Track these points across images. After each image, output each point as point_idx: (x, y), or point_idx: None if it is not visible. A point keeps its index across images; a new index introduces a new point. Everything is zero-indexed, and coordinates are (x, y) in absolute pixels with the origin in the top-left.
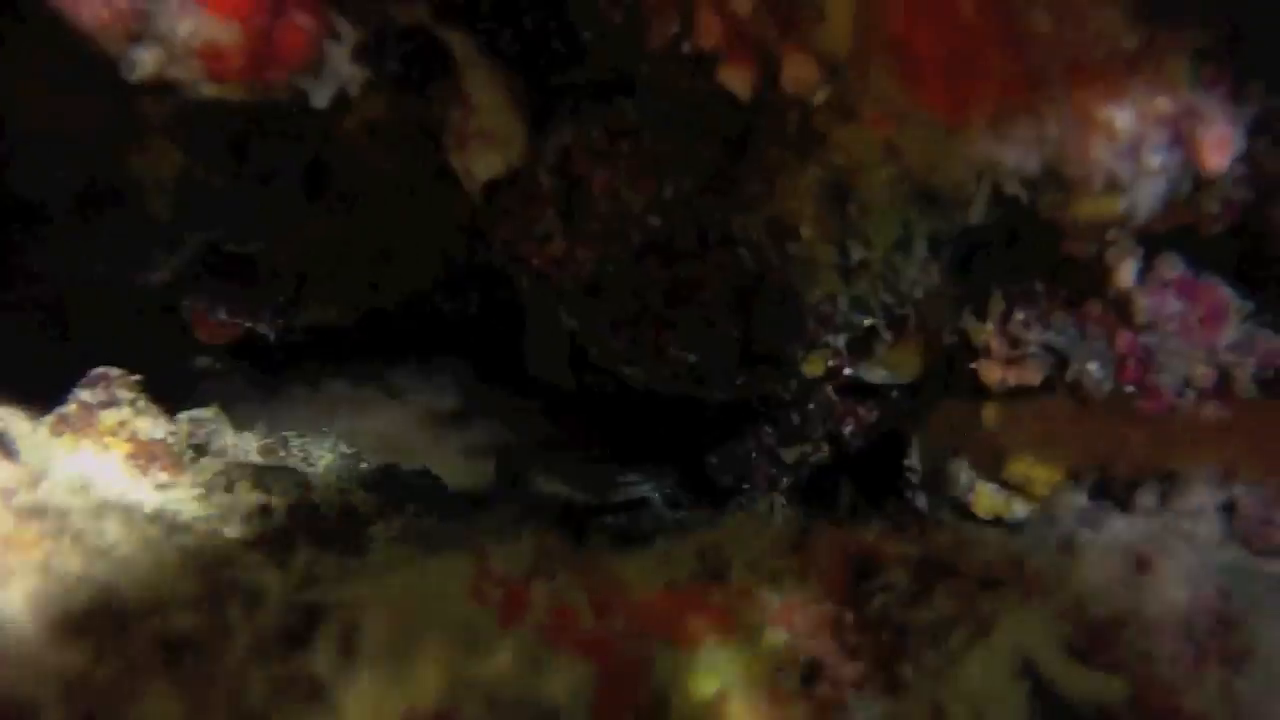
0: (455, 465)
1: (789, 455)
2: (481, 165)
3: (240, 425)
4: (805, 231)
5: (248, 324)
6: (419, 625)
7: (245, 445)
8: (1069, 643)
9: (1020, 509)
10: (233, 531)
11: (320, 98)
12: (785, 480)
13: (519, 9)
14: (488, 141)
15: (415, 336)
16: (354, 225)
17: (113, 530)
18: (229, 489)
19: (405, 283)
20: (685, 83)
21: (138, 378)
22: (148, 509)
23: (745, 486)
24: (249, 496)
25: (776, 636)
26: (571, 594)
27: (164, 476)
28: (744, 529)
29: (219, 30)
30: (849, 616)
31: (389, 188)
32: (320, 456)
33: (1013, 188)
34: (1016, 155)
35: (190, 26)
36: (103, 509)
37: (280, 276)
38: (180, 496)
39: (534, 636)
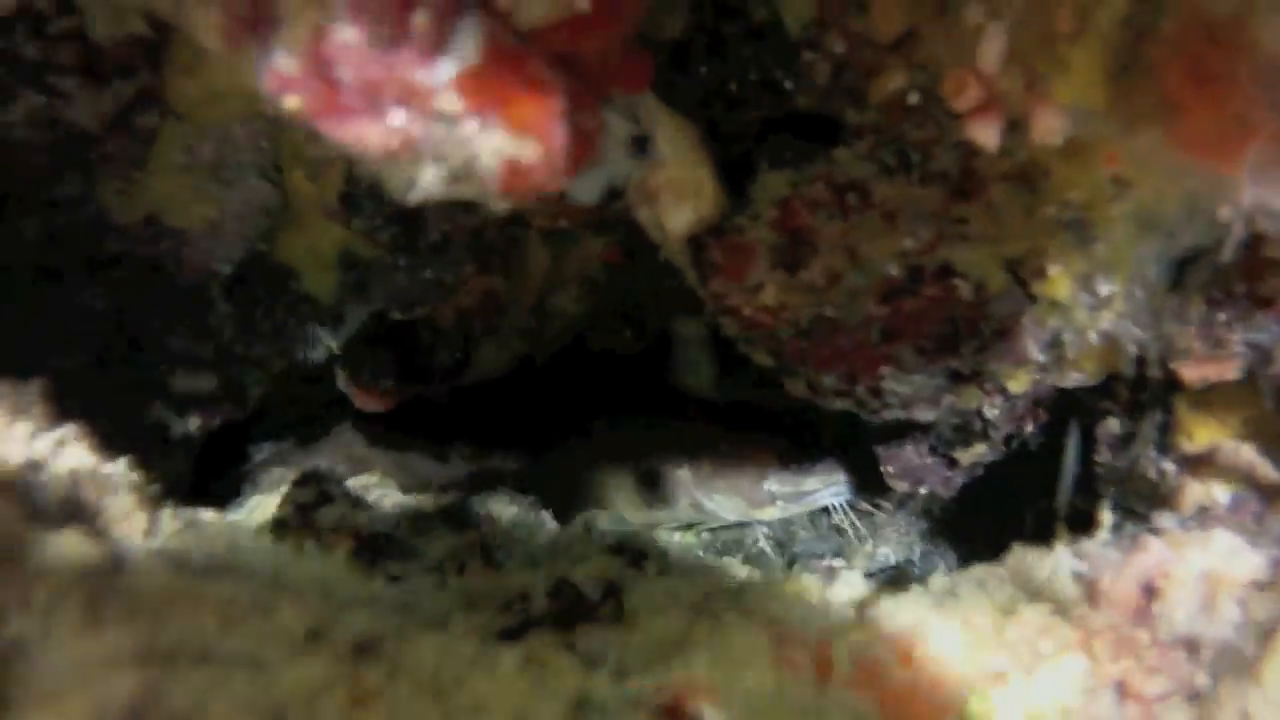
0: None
1: (965, 457)
2: (676, 218)
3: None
4: (1053, 270)
5: (416, 388)
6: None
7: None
8: None
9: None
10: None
11: (590, 194)
12: (960, 480)
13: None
14: (678, 194)
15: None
16: (513, 281)
17: None
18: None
19: (561, 329)
20: (915, 134)
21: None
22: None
23: (922, 490)
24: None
25: (1077, 664)
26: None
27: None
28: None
29: (521, 148)
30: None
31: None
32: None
33: (1264, 222)
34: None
35: (494, 146)
36: None
37: (447, 338)
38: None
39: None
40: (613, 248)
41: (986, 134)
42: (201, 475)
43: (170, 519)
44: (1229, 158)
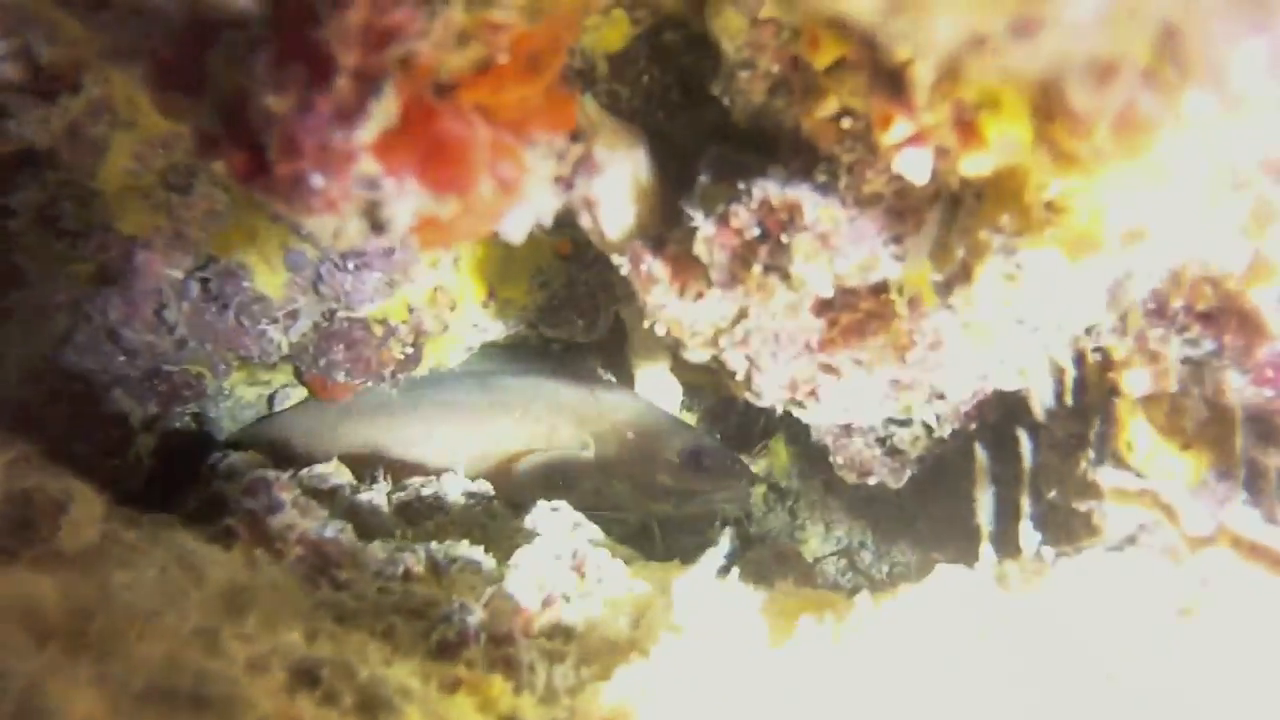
0: None
1: (913, 450)
2: (614, 228)
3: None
4: (983, 293)
5: (369, 384)
6: None
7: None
8: None
9: None
10: None
11: (518, 233)
12: (909, 472)
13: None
14: (617, 204)
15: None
16: (462, 276)
17: None
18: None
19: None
20: (848, 156)
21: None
22: None
23: (870, 481)
24: (447, 589)
25: None
26: None
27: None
28: None
29: (439, 206)
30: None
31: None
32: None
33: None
34: (1198, 233)
35: (410, 206)
36: None
37: (398, 333)
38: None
39: None
40: (564, 240)
41: (915, 167)
42: (168, 469)
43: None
44: (1153, 200)
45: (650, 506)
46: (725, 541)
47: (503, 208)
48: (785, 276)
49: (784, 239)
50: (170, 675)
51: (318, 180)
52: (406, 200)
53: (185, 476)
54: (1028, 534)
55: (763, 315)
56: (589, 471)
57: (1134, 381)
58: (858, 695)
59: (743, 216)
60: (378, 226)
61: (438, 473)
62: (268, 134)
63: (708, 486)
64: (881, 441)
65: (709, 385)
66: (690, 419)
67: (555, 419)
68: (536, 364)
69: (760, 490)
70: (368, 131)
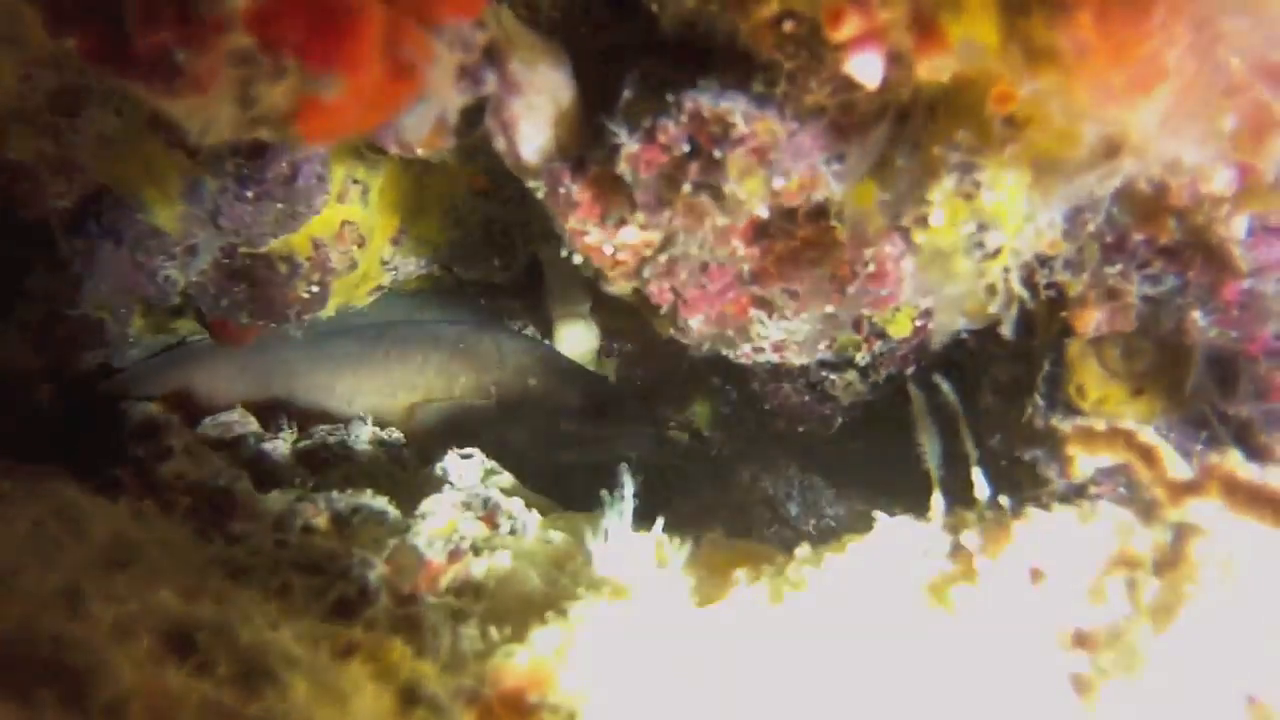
0: None
1: (845, 396)
2: (531, 149)
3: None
4: (935, 217)
5: (272, 325)
6: None
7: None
8: None
9: None
10: None
11: (417, 131)
12: (840, 419)
13: None
14: (534, 124)
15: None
16: (372, 211)
17: None
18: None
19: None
20: (789, 64)
21: None
22: None
23: (800, 430)
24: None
25: None
26: None
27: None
28: None
29: (323, 87)
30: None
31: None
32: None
33: (1168, 174)
34: (1179, 146)
35: (289, 85)
36: None
37: (300, 271)
38: None
39: None
40: (479, 175)
41: (866, 70)
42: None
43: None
44: (1137, 105)
45: (553, 456)
46: (629, 483)
47: (400, 97)
48: (717, 196)
49: (716, 154)
50: (25, 642)
51: (182, 56)
52: (287, 80)
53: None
54: (980, 482)
55: (691, 242)
56: (490, 420)
57: (1089, 320)
58: (802, 660)
59: (671, 131)
60: (254, 113)
61: (343, 421)
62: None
63: (610, 432)
64: (813, 386)
65: (630, 329)
66: (609, 367)
67: (456, 367)
68: (443, 311)
69: (682, 438)
70: None
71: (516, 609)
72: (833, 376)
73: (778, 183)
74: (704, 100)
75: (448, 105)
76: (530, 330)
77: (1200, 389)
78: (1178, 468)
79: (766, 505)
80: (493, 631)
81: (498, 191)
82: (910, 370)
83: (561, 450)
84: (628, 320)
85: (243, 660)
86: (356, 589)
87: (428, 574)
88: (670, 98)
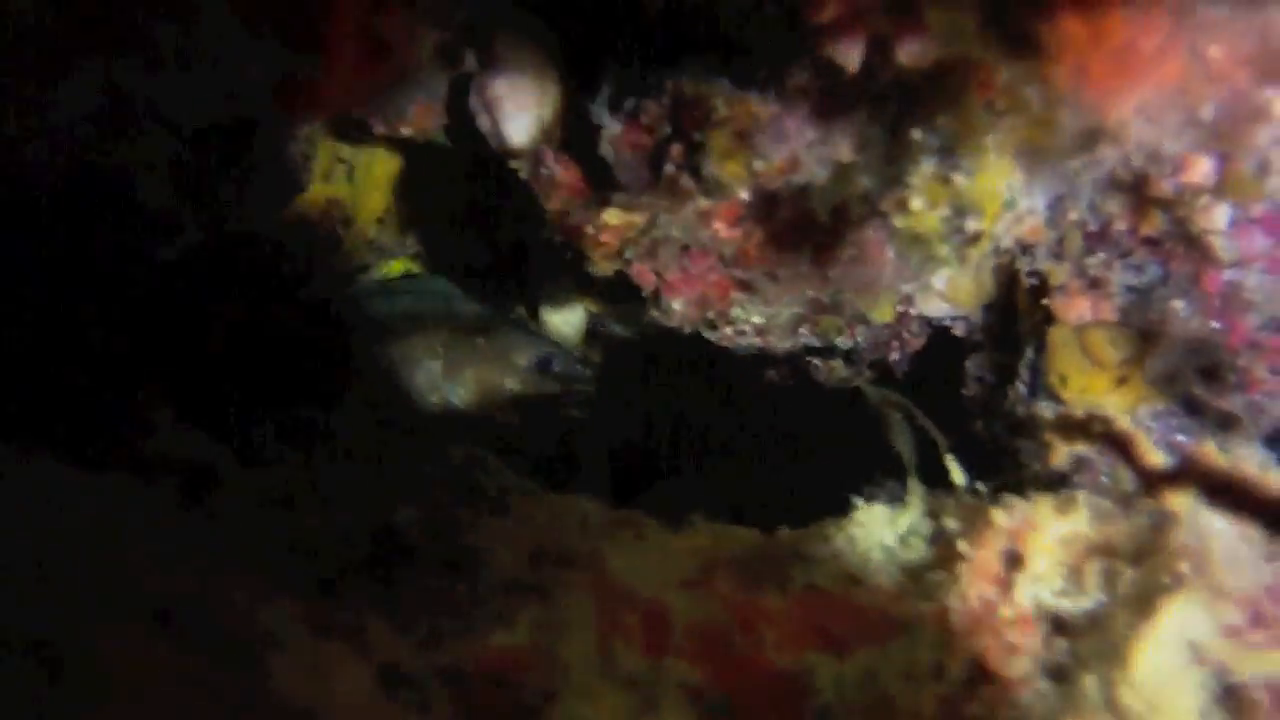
0: None
1: (829, 382)
2: (515, 130)
3: None
4: (916, 202)
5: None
6: None
7: None
8: None
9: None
10: None
11: (401, 111)
12: (820, 408)
13: None
14: (518, 104)
15: None
16: (358, 190)
17: None
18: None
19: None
20: (770, 47)
21: None
22: None
23: (781, 416)
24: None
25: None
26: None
27: None
28: None
29: (300, 64)
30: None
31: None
32: None
33: (1149, 164)
34: (1158, 134)
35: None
36: None
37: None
38: None
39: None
40: (464, 156)
41: (846, 53)
42: None
43: None
44: (1117, 92)
45: (497, 421)
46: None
47: (379, 75)
48: (699, 179)
49: (698, 137)
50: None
51: (160, 29)
52: (261, 52)
53: None
54: (956, 469)
55: (672, 224)
56: (434, 381)
57: (1071, 309)
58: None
59: (653, 113)
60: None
61: None
62: None
63: (555, 390)
64: (795, 373)
65: (614, 314)
66: (594, 351)
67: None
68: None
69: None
70: None
71: (498, 588)
72: (816, 362)
73: (759, 165)
74: (686, 82)
75: (433, 86)
76: (518, 312)
77: (1181, 380)
78: (1157, 456)
79: (748, 491)
80: (474, 613)
81: (482, 171)
82: (894, 357)
83: (505, 415)
84: (611, 306)
85: (224, 636)
86: (337, 568)
87: (407, 553)
88: (652, 79)
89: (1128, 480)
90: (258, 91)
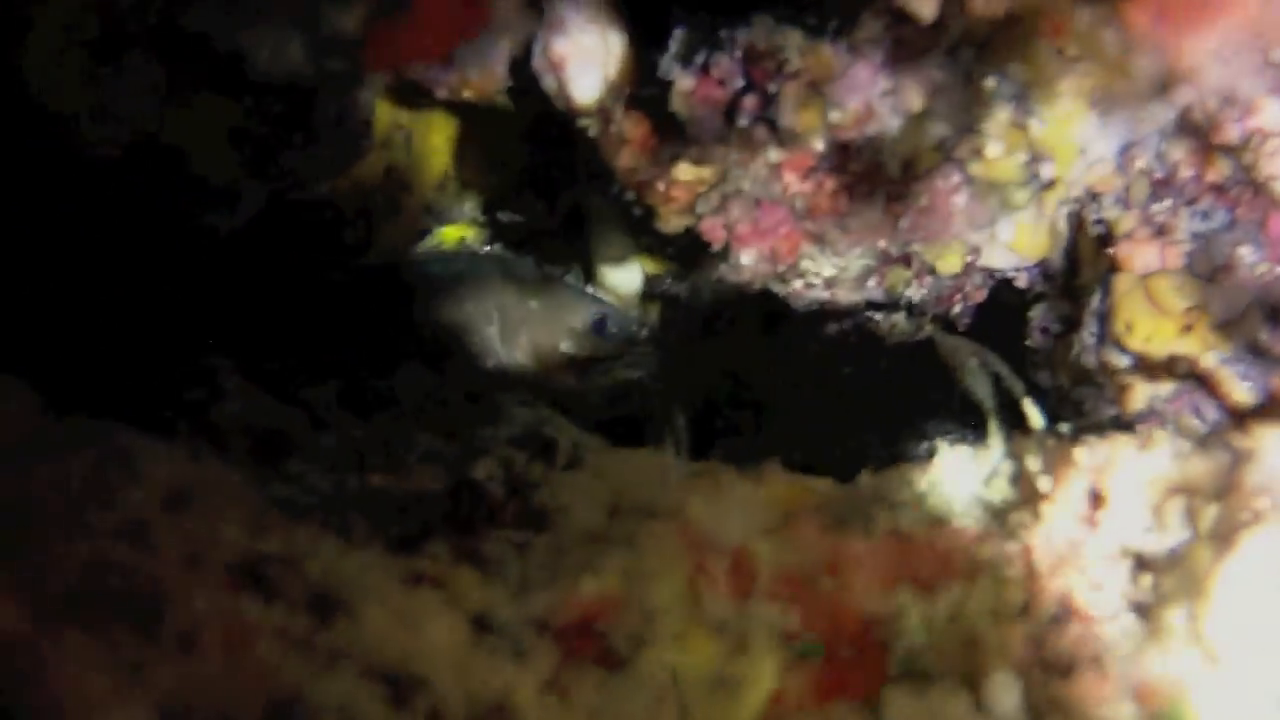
0: None
1: (891, 336)
2: (582, 87)
3: None
4: (991, 149)
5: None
6: None
7: None
8: None
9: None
10: None
11: (488, 63)
12: (884, 360)
13: None
14: (585, 61)
15: None
16: (416, 155)
17: None
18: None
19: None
20: None
21: None
22: None
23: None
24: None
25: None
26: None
27: None
28: None
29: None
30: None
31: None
32: None
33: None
34: (1232, 76)
35: (359, 13)
36: None
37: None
38: None
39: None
40: (524, 118)
41: (921, 2)
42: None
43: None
44: (1193, 35)
45: (554, 381)
46: (680, 420)
47: (469, 25)
48: (774, 131)
49: (771, 88)
50: (95, 575)
51: None
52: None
53: None
54: (1033, 413)
55: (744, 178)
56: (491, 346)
57: (1138, 256)
58: None
59: (725, 66)
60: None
61: None
62: None
63: (611, 351)
64: (859, 327)
65: (673, 274)
66: (652, 310)
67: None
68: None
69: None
70: None
71: (579, 541)
72: (878, 316)
73: (834, 115)
74: (757, 34)
75: (518, 36)
76: (573, 275)
77: (1248, 325)
78: (1243, 393)
79: (814, 446)
80: (558, 561)
81: (543, 132)
82: (956, 310)
83: (561, 375)
84: (670, 266)
85: (316, 588)
86: (418, 525)
87: (488, 509)
88: (723, 33)
89: (1206, 420)
90: (345, 45)
